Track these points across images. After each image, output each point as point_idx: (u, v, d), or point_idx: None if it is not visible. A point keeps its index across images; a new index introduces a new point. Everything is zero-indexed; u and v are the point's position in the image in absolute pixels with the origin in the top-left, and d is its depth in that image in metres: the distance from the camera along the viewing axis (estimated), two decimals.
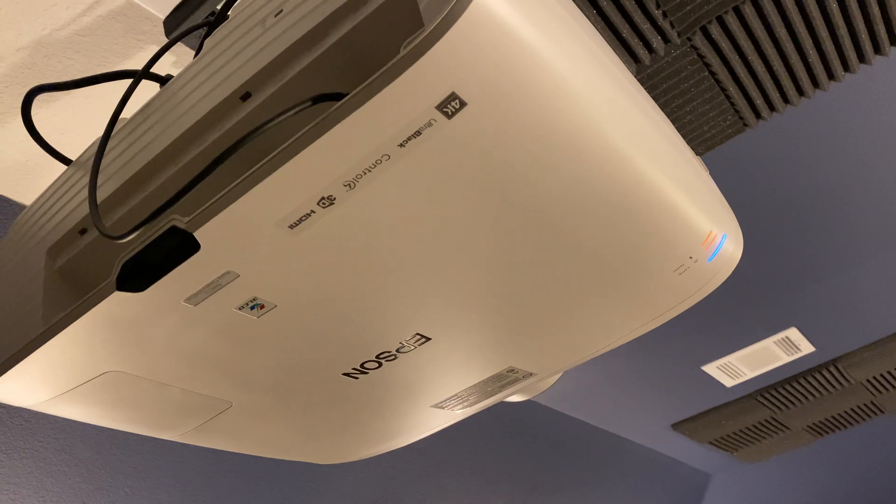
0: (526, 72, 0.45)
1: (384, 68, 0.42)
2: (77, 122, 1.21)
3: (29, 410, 1.43)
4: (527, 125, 0.48)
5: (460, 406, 0.82)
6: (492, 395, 0.82)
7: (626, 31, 1.26)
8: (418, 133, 0.45)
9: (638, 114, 0.57)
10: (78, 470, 1.62)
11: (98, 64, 1.15)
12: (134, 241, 0.51)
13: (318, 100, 0.47)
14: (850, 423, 3.69)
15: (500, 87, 0.45)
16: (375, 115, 0.44)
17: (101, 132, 1.24)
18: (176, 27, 1.06)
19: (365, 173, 0.47)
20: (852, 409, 3.52)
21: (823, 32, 1.37)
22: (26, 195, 1.30)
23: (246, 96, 0.52)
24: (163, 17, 1.07)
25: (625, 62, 1.31)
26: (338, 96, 0.46)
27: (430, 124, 0.45)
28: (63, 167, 1.31)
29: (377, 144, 0.46)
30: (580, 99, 0.49)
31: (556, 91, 0.48)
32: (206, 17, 0.98)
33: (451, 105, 0.44)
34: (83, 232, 0.61)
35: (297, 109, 0.46)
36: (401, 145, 0.46)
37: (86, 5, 1.07)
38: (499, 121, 0.47)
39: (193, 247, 0.49)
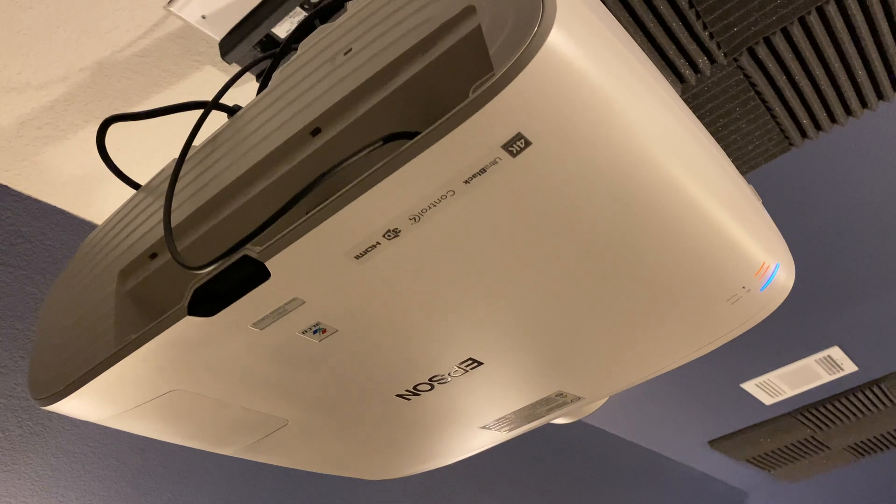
0: (589, 110, 0.46)
1: (454, 110, 0.43)
2: (133, 139, 1.25)
3: None
4: (587, 160, 0.49)
5: (507, 427, 0.83)
6: (539, 418, 0.83)
7: (672, 52, 1.26)
8: (483, 171, 0.47)
9: (694, 145, 0.58)
10: (123, 475, 1.66)
11: (155, 83, 1.19)
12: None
13: (389, 139, 0.49)
14: (893, 445, 3.60)
15: (564, 126, 0.46)
16: (444, 154, 0.45)
17: (156, 150, 1.28)
18: (231, 49, 1.09)
19: (430, 208, 0.49)
20: (895, 430, 3.45)
21: (873, 53, 1.36)
22: (84, 209, 1.35)
23: (316, 132, 0.54)
24: (218, 39, 1.10)
25: (670, 82, 1.31)
26: (408, 135, 0.48)
27: (495, 162, 0.46)
28: (130, 190, 1.35)
29: (443, 181, 0.47)
30: (639, 134, 0.50)
31: (616, 127, 0.49)
32: (266, 47, 1.00)
33: (516, 144, 0.45)
34: (153, 256, 0.63)
35: (370, 149, 0.48)
36: (466, 182, 0.47)
37: (145, 28, 1.11)
38: (561, 157, 0.48)
39: (264, 275, 0.51)
